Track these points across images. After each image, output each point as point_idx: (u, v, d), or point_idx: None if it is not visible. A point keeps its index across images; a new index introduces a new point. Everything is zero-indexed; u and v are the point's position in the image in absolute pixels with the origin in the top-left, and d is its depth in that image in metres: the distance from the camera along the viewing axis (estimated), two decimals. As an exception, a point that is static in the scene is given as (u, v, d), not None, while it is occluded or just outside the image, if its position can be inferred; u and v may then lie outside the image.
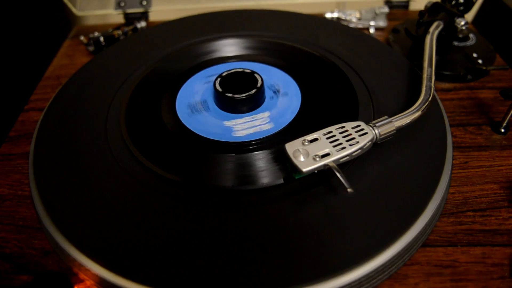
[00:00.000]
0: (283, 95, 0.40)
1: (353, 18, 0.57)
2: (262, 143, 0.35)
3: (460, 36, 0.50)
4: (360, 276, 0.26)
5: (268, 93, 0.40)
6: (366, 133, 0.32)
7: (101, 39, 0.53)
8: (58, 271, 0.30)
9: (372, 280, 0.27)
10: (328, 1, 0.65)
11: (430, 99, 0.35)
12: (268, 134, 0.36)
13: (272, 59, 0.45)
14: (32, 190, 0.33)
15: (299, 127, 0.37)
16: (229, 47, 0.47)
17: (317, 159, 0.30)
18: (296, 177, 0.32)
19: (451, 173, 0.34)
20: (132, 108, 0.40)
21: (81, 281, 0.29)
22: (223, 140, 0.35)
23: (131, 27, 0.57)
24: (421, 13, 0.47)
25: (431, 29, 0.44)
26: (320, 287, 0.26)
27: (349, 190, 0.28)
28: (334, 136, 0.31)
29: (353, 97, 0.39)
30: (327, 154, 0.30)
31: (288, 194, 0.31)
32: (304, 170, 0.29)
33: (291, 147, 0.31)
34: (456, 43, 0.49)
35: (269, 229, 0.29)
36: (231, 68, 0.40)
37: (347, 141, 0.31)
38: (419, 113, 0.34)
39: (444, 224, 0.32)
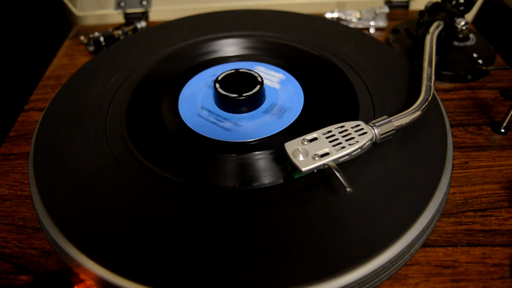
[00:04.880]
0: (284, 95, 0.40)
1: (353, 18, 0.57)
2: (263, 143, 0.35)
3: (460, 36, 0.50)
4: (361, 276, 0.26)
5: (268, 93, 0.40)
6: (365, 133, 0.32)
7: (101, 39, 0.53)
8: (58, 271, 0.30)
9: (372, 280, 0.27)
10: (328, 1, 0.65)
11: (430, 99, 0.35)
12: (269, 134, 0.36)
13: (272, 59, 0.45)
14: (32, 190, 0.33)
15: (299, 126, 0.37)
16: (229, 47, 0.47)
17: (317, 158, 0.30)
18: (296, 177, 0.32)
19: (451, 173, 0.34)
20: (133, 108, 0.40)
21: (81, 281, 0.29)
22: (224, 140, 0.35)
23: (131, 27, 0.57)
24: (421, 13, 0.47)
25: (431, 29, 0.44)
26: None
27: (348, 190, 0.28)
28: (333, 135, 0.31)
29: (353, 97, 0.39)
30: (327, 154, 0.30)
31: (288, 194, 0.31)
32: (303, 169, 0.29)
33: (291, 146, 0.31)
34: (456, 43, 0.49)
35: (268, 229, 0.29)
36: (231, 68, 0.40)
37: (347, 140, 0.31)
38: (418, 113, 0.34)
39: (444, 224, 0.32)
